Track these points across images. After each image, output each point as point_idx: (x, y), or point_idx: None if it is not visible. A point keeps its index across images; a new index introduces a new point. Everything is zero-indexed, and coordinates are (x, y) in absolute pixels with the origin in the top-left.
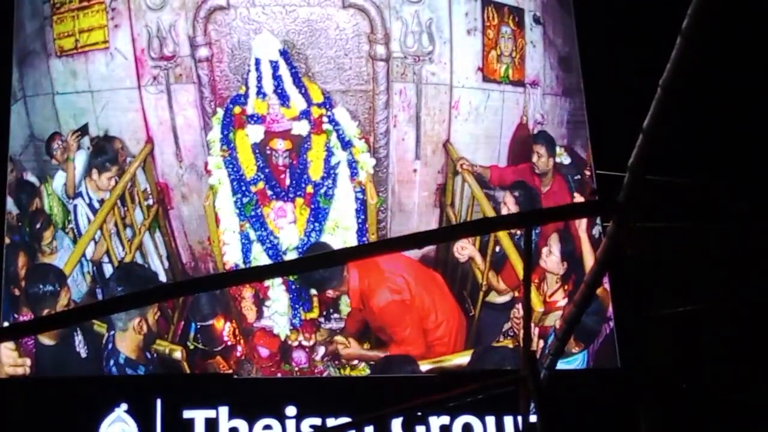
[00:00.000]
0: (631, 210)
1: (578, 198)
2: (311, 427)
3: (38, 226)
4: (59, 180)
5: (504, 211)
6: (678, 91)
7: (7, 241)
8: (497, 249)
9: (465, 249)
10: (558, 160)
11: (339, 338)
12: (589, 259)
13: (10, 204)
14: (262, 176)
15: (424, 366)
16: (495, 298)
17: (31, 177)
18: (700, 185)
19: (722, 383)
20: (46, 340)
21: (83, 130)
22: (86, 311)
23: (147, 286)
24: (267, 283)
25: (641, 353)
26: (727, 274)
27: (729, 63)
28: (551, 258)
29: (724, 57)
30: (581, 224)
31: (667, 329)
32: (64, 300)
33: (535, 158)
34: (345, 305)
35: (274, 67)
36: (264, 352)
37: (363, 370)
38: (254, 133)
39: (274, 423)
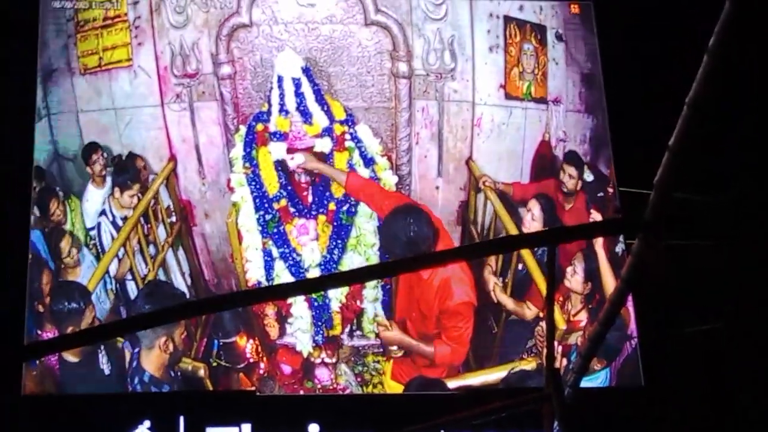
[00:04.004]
0: (657, 228)
1: (594, 214)
2: None
3: (54, 239)
4: (92, 196)
5: (528, 218)
6: (705, 109)
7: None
8: (519, 267)
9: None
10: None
11: (381, 320)
12: (607, 277)
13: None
14: (285, 193)
15: (452, 384)
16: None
17: (55, 192)
18: (726, 202)
19: (748, 401)
20: (70, 357)
21: (107, 152)
22: (110, 329)
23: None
24: (290, 300)
25: (667, 372)
26: (753, 292)
27: (757, 79)
28: (575, 278)
29: (752, 73)
30: (599, 241)
31: (693, 347)
32: (89, 318)
33: (565, 178)
34: (368, 323)
35: (297, 84)
36: (287, 369)
37: (387, 386)
38: (277, 150)
39: None
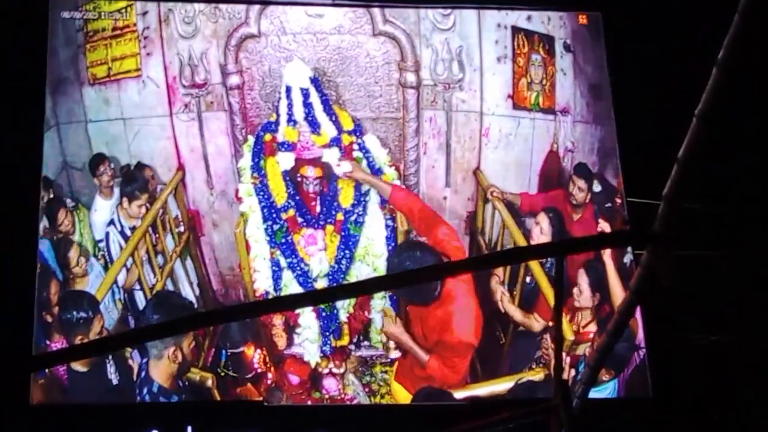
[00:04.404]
0: (666, 240)
1: (602, 224)
2: None
3: (62, 249)
4: (100, 207)
5: (537, 231)
6: (714, 122)
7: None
8: (528, 280)
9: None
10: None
11: (389, 309)
12: (616, 288)
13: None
14: (293, 203)
15: (459, 394)
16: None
17: (64, 202)
18: (735, 212)
19: (757, 411)
20: (78, 367)
21: (115, 163)
22: (119, 340)
23: (182, 314)
24: (297, 309)
25: (675, 383)
26: (762, 303)
27: (760, 85)
28: (583, 296)
29: (759, 83)
30: (607, 252)
31: (701, 358)
32: (98, 327)
33: (575, 191)
34: (376, 333)
35: (305, 94)
36: (294, 379)
37: (394, 391)
38: (285, 160)
39: None
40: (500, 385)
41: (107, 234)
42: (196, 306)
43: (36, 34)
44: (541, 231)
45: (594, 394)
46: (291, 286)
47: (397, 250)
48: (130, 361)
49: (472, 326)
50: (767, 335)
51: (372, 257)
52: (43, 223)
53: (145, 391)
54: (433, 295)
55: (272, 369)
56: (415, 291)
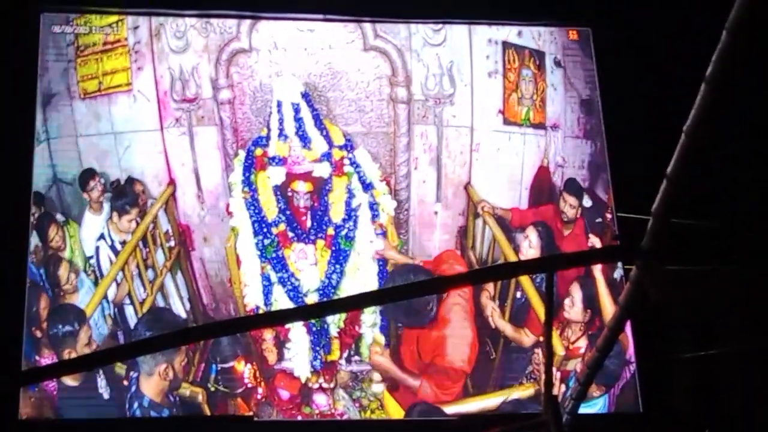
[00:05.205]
0: (655, 256)
1: (593, 239)
2: None
3: (52, 267)
4: (90, 222)
5: (525, 245)
6: (702, 138)
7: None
8: (518, 295)
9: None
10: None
11: (378, 341)
12: (606, 303)
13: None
14: (284, 218)
15: (450, 409)
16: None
17: (54, 217)
18: (724, 227)
19: (748, 427)
20: (69, 381)
21: (106, 179)
22: (110, 354)
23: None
24: (288, 324)
25: (665, 397)
26: (751, 317)
27: (753, 103)
28: (574, 309)
29: (749, 97)
30: (597, 267)
31: (691, 373)
32: (85, 339)
33: (565, 207)
34: (366, 348)
35: (296, 109)
36: (284, 394)
37: (384, 413)
38: (276, 175)
39: None
40: (491, 401)
41: (97, 248)
42: (186, 321)
43: (27, 48)
44: (530, 245)
45: (584, 409)
46: (281, 300)
47: (390, 276)
48: (121, 376)
49: (466, 354)
50: (757, 349)
51: (363, 272)
52: (34, 238)
53: (135, 405)
54: (429, 316)
55: (262, 384)
56: (411, 314)
